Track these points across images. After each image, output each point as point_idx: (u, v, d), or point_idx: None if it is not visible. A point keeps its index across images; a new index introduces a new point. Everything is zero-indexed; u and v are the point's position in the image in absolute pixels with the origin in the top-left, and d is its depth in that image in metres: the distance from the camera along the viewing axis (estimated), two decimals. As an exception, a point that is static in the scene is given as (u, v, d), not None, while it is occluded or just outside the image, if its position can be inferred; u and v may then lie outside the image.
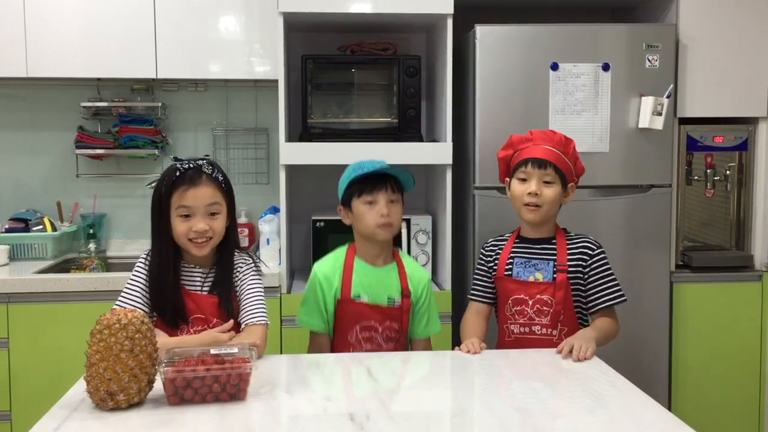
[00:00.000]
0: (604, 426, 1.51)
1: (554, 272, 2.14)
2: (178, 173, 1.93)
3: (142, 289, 1.97)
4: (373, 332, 2.16)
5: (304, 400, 1.68)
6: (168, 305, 1.95)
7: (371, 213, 2.13)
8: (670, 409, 2.98)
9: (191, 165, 1.95)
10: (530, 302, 2.14)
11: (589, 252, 2.17)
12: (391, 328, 2.18)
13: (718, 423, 3.07)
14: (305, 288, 2.26)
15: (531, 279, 2.16)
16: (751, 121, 3.09)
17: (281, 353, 2.66)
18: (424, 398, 1.71)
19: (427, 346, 2.27)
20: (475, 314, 2.25)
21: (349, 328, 2.16)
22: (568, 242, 2.18)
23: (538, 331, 2.13)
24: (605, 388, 1.74)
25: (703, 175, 3.06)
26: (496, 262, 2.22)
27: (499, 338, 2.24)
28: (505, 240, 2.25)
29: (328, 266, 2.20)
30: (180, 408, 1.58)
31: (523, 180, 2.15)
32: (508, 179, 2.24)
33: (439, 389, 1.76)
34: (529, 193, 2.13)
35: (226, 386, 1.61)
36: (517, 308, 2.15)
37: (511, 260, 2.19)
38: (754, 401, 3.10)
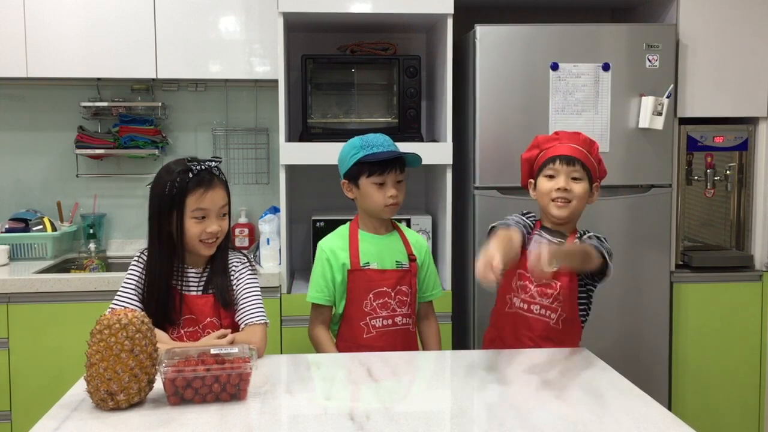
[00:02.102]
0: (604, 426, 1.51)
1: None
2: (191, 174, 1.92)
3: (136, 288, 1.97)
4: (387, 298, 2.21)
5: (304, 400, 1.68)
6: (161, 306, 1.94)
7: (380, 194, 2.17)
8: (670, 409, 2.98)
9: (202, 167, 1.94)
10: (535, 281, 2.15)
11: (582, 234, 2.19)
12: (402, 292, 2.22)
13: (718, 423, 3.07)
14: (313, 265, 2.27)
15: None
16: (751, 121, 3.09)
17: (281, 353, 2.66)
18: (424, 398, 1.71)
19: (431, 309, 2.37)
20: (505, 234, 2.06)
21: (363, 296, 2.19)
22: (577, 236, 2.19)
23: (537, 310, 2.13)
24: (605, 388, 1.75)
25: (703, 175, 3.06)
26: (530, 232, 2.20)
27: (497, 307, 2.24)
28: (534, 222, 2.25)
29: (334, 240, 2.26)
30: (180, 408, 1.58)
31: (551, 177, 2.14)
32: (532, 180, 2.23)
33: (439, 389, 1.76)
34: (558, 189, 2.11)
35: (226, 386, 1.61)
36: (521, 283, 2.16)
37: (532, 239, 2.19)
38: (754, 401, 3.10)
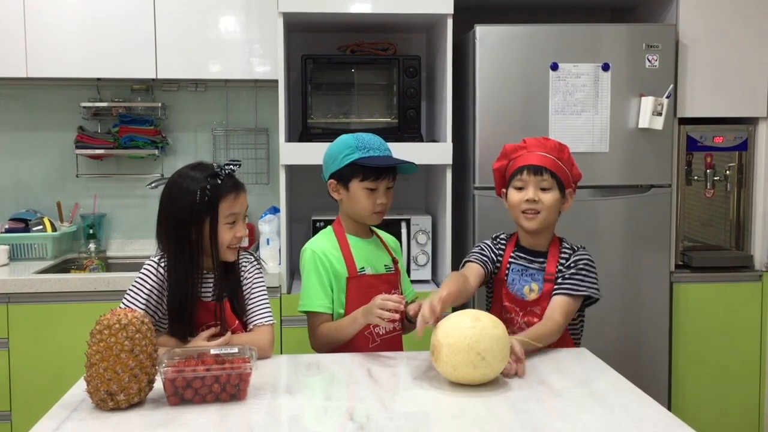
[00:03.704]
0: (604, 426, 1.51)
1: (544, 282, 2.10)
2: (219, 180, 1.89)
3: (149, 298, 1.90)
4: None
5: (304, 400, 1.68)
6: (186, 317, 1.89)
7: (369, 200, 2.10)
8: (670, 409, 2.98)
9: (226, 171, 1.91)
10: (521, 313, 2.11)
11: (568, 254, 2.12)
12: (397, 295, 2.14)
13: (718, 423, 3.07)
14: (304, 272, 2.15)
15: (525, 290, 2.12)
16: (751, 121, 3.09)
17: (281, 353, 2.66)
18: (424, 398, 1.71)
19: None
20: (460, 272, 2.10)
21: (364, 304, 2.04)
22: (560, 252, 2.13)
23: None
24: (605, 388, 1.74)
25: (703, 175, 3.06)
26: (500, 260, 2.18)
27: None
28: (507, 241, 2.22)
29: (324, 242, 2.16)
30: (180, 408, 1.58)
31: (520, 188, 2.10)
32: (504, 190, 2.19)
33: (439, 389, 1.76)
34: (527, 200, 2.07)
35: (226, 386, 1.61)
36: (508, 316, 2.13)
37: (509, 266, 2.16)
38: (754, 401, 3.10)
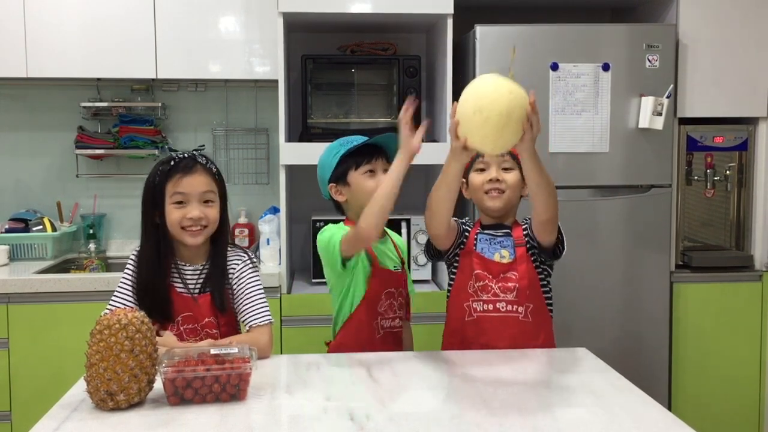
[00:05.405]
0: (604, 426, 1.51)
1: (515, 247, 2.11)
2: (172, 162, 1.93)
3: (132, 287, 1.95)
4: (393, 299, 2.15)
5: (304, 400, 1.68)
6: (156, 303, 1.92)
7: (372, 182, 2.08)
8: (670, 409, 2.98)
9: (185, 155, 1.96)
10: (494, 279, 2.09)
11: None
12: (402, 294, 2.20)
13: (718, 423, 3.07)
14: (329, 234, 2.07)
15: (496, 256, 2.11)
16: (751, 121, 3.09)
17: (281, 353, 2.66)
18: (424, 398, 1.71)
19: (409, 308, 2.31)
20: None
21: (379, 297, 2.12)
22: (523, 222, 2.16)
23: (503, 308, 2.07)
24: (605, 388, 1.74)
25: (703, 175, 3.06)
26: (467, 235, 2.17)
27: (453, 318, 2.16)
28: (471, 227, 2.21)
29: (347, 230, 2.10)
30: (180, 408, 1.58)
31: (482, 170, 2.12)
32: (464, 180, 2.16)
33: (439, 389, 1.76)
34: (491, 180, 2.09)
35: (226, 386, 1.61)
36: (481, 284, 2.10)
37: (476, 237, 2.16)
38: (754, 401, 3.10)
